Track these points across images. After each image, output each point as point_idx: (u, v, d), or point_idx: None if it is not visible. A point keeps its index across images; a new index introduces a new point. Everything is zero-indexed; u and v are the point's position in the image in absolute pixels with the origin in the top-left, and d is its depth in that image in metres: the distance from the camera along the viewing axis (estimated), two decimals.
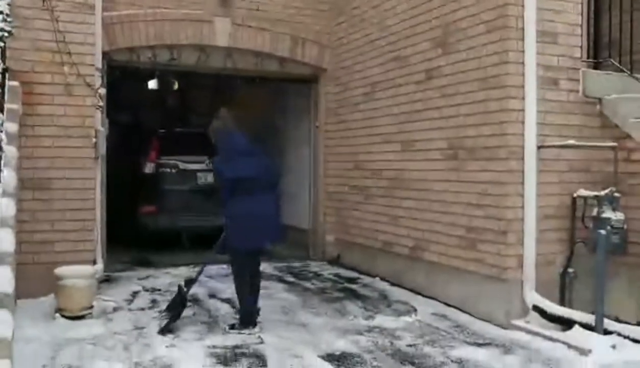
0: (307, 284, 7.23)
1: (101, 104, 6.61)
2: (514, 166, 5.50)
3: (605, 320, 5.01)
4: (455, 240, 6.11)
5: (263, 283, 7.11)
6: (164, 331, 5.14)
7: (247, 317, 5.38)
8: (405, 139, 6.95)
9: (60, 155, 6.23)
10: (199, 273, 5.72)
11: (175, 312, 5.34)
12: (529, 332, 5.23)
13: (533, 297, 5.44)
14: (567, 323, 5.16)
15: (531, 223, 5.48)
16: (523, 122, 5.50)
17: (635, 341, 4.79)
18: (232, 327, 5.35)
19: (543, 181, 5.57)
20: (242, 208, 5.24)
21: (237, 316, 5.59)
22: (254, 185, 5.24)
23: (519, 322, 5.38)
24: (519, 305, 5.48)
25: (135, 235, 9.16)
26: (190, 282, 5.54)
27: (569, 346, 4.83)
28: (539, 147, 5.53)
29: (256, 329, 5.30)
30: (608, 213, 5.22)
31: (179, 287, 5.53)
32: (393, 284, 7.03)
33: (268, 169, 5.51)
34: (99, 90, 6.52)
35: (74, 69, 6.25)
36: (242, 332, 5.25)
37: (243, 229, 5.26)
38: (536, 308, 5.41)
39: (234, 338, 5.10)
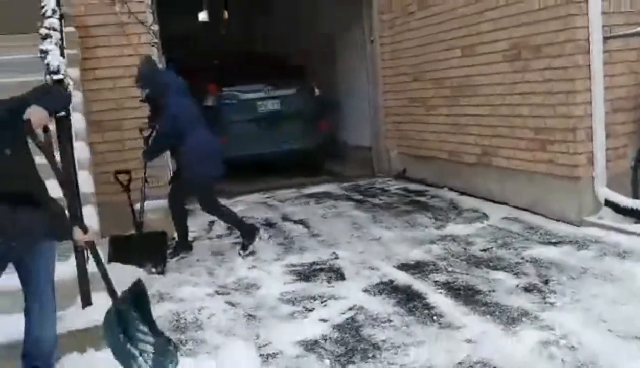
0: (375, 200, 7.31)
1: (156, 40, 6.66)
2: (580, 61, 5.29)
3: None
4: (524, 143, 6.00)
5: (331, 202, 7.32)
6: None
7: (183, 242, 5.59)
8: (466, 44, 6.75)
9: (122, 95, 6.27)
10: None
11: None
12: (602, 227, 5.17)
13: (605, 192, 5.36)
14: None
15: (600, 118, 5.31)
16: (587, 14, 5.24)
17: None
18: (244, 247, 5.44)
19: (611, 73, 5.35)
20: (197, 141, 5.30)
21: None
22: (195, 120, 5.39)
23: (592, 219, 5.33)
24: (591, 201, 5.40)
25: None
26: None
27: None
28: (605, 38, 5.28)
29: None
30: None
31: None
32: (462, 193, 7.02)
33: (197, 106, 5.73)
34: (152, 27, 6.56)
35: (125, 7, 6.28)
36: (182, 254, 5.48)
37: (202, 159, 5.31)
38: (608, 203, 5.33)
39: (310, 256, 5.27)
